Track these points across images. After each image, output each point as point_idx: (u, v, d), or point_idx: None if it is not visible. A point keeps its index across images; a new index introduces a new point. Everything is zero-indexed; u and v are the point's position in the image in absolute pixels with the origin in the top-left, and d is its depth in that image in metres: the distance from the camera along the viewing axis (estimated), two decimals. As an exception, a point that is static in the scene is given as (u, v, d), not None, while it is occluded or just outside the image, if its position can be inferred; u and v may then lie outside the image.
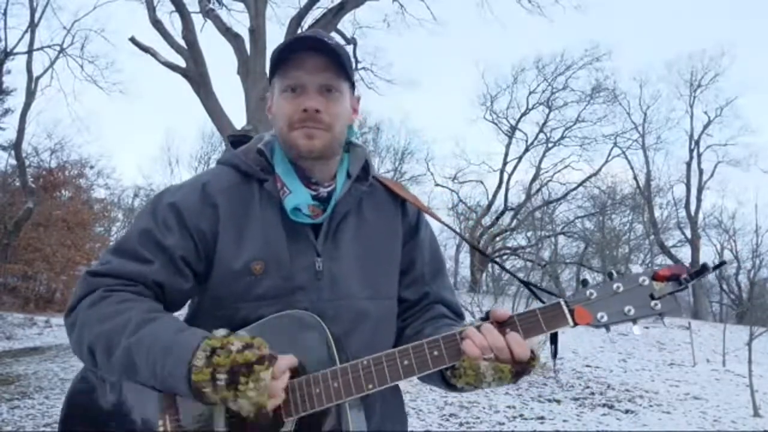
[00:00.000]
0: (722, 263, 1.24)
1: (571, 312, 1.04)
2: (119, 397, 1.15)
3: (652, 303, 1.03)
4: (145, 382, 1.05)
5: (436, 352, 1.06)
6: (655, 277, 1.04)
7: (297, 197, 1.18)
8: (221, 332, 1.02)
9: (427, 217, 1.39)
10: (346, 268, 1.20)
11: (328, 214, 1.20)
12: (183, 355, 0.98)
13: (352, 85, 1.24)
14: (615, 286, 1.05)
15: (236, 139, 1.30)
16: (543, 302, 1.08)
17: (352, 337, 1.14)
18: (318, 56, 1.15)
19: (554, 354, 1.21)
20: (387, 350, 1.08)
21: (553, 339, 1.16)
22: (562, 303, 1.05)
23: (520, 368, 1.06)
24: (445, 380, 1.14)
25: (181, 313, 1.29)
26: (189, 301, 1.26)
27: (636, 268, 1.06)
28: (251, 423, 1.03)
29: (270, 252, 1.15)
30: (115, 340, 1.04)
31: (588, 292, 1.05)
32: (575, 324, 1.04)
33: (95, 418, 1.16)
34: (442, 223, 1.45)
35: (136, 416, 1.13)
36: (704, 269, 1.02)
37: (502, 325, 1.07)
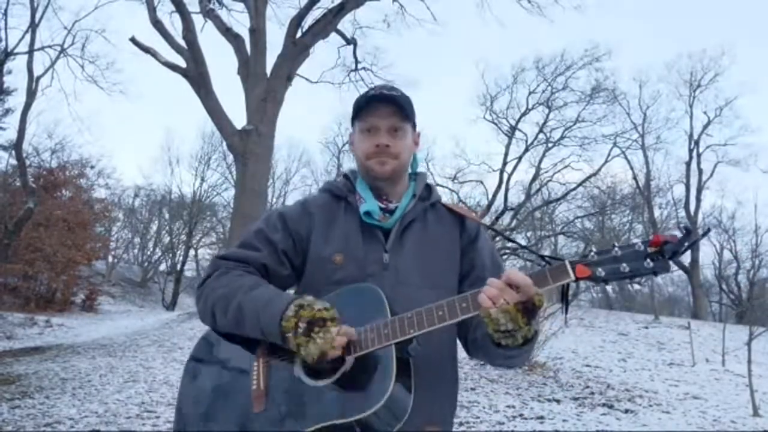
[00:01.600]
0: (708, 231, 1.44)
1: (573, 267, 1.22)
2: (228, 349, 1.46)
3: (645, 262, 1.18)
4: (249, 331, 1.38)
5: (464, 304, 1.28)
6: (650, 243, 1.19)
7: (369, 205, 1.53)
8: (309, 297, 1.35)
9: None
10: (408, 262, 1.50)
11: (396, 219, 1.53)
12: (278, 307, 1.33)
13: (414, 125, 1.60)
14: (614, 250, 1.21)
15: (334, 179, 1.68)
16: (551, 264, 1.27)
17: None
18: (387, 105, 1.52)
19: (565, 310, 1.43)
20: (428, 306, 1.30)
21: (564, 297, 1.35)
22: (566, 262, 1.24)
23: (525, 305, 1.23)
24: (494, 342, 1.32)
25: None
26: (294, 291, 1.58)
27: (635, 239, 1.23)
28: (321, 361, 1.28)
29: (348, 247, 1.50)
30: (231, 299, 1.41)
31: (590, 255, 1.23)
32: (576, 279, 1.21)
33: (211, 367, 1.47)
34: (493, 230, 1.61)
35: (239, 362, 1.43)
36: (689, 233, 1.16)
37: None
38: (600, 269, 1.21)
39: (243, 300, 1.39)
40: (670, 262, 1.18)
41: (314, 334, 1.26)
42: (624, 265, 1.19)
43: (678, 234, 1.18)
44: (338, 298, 1.39)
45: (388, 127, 1.52)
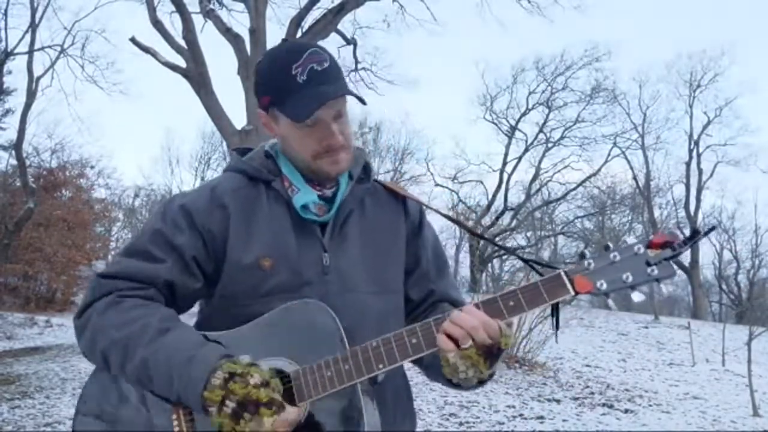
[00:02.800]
0: (712, 228, 1.28)
1: (571, 281, 1.06)
2: (133, 396, 1.17)
3: (649, 269, 1.05)
4: (158, 393, 1.08)
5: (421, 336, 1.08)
6: (649, 245, 1.06)
7: (305, 196, 1.22)
8: (246, 359, 1.04)
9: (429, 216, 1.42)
10: (352, 263, 1.24)
11: (334, 212, 1.24)
12: (202, 371, 1.01)
13: None
14: (612, 255, 1.06)
15: (242, 151, 1.35)
16: (542, 275, 1.09)
17: (359, 329, 1.15)
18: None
19: (556, 326, 1.24)
20: (395, 332, 1.09)
21: (554, 311, 1.19)
22: (563, 273, 1.06)
23: (489, 348, 1.05)
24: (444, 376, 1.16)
25: (192, 312, 1.31)
26: (199, 304, 1.28)
27: (630, 239, 1.08)
28: None
29: (278, 248, 1.19)
30: (131, 349, 1.07)
31: (586, 263, 1.07)
32: (576, 293, 1.06)
33: (110, 416, 1.18)
34: (444, 216, 1.48)
35: (151, 414, 1.14)
36: (695, 233, 1.05)
37: (491, 303, 1.07)
38: (601, 281, 1.05)
39: (149, 354, 1.05)
40: (674, 265, 1.06)
41: (243, 422, 0.98)
42: (627, 274, 1.05)
43: (677, 234, 1.07)
44: (272, 325, 1.12)
45: (333, 116, 1.19)
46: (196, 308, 1.31)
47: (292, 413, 1.03)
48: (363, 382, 1.08)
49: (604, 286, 1.06)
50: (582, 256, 1.09)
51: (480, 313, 1.05)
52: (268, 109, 1.24)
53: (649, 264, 1.05)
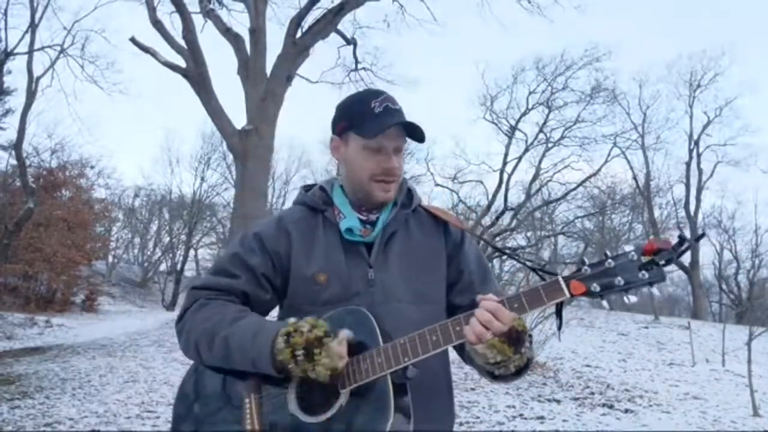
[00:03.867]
0: (702, 235, 1.40)
1: (568, 285, 1.18)
2: (216, 384, 1.41)
3: (640, 274, 1.15)
4: (239, 366, 1.32)
5: (458, 327, 1.23)
6: (643, 251, 1.15)
7: (349, 221, 1.46)
8: (292, 320, 1.28)
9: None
10: (394, 277, 1.44)
11: (378, 233, 1.47)
12: (266, 339, 1.26)
13: None
14: (607, 262, 1.18)
15: (306, 188, 1.61)
16: (545, 280, 1.23)
17: (398, 333, 1.29)
18: (398, 126, 1.42)
19: (559, 326, 1.36)
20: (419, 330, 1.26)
21: (558, 313, 1.29)
22: (560, 278, 1.19)
23: (507, 334, 1.21)
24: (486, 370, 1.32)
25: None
26: (278, 312, 1.53)
27: (627, 246, 1.18)
28: (317, 393, 1.27)
29: (331, 265, 1.43)
30: (215, 334, 1.33)
31: (583, 269, 1.19)
32: (572, 295, 1.18)
33: (198, 401, 1.42)
34: (475, 235, 1.57)
35: (229, 396, 1.38)
36: (682, 241, 1.13)
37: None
38: (595, 284, 1.17)
39: (228, 334, 1.32)
40: (665, 270, 1.15)
41: (316, 357, 1.22)
42: (619, 278, 1.15)
43: (674, 237, 1.16)
44: (331, 322, 1.33)
45: (394, 148, 1.43)
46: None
47: (343, 332, 1.26)
48: (397, 375, 1.25)
49: (598, 288, 1.17)
50: (581, 263, 1.20)
51: (492, 305, 1.20)
52: (342, 135, 1.48)
53: (641, 269, 1.15)
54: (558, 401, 6.84)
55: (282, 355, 1.23)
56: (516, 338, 1.22)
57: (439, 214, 1.55)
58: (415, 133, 1.43)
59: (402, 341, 1.25)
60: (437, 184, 26.24)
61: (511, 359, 1.25)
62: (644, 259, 1.15)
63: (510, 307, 1.20)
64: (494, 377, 1.32)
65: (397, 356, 1.24)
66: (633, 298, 1.16)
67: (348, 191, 1.51)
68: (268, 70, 13.15)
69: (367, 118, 1.41)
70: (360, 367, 1.26)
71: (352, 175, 1.48)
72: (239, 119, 12.67)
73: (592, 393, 7.43)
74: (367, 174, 1.44)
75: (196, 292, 1.45)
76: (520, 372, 1.30)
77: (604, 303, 1.19)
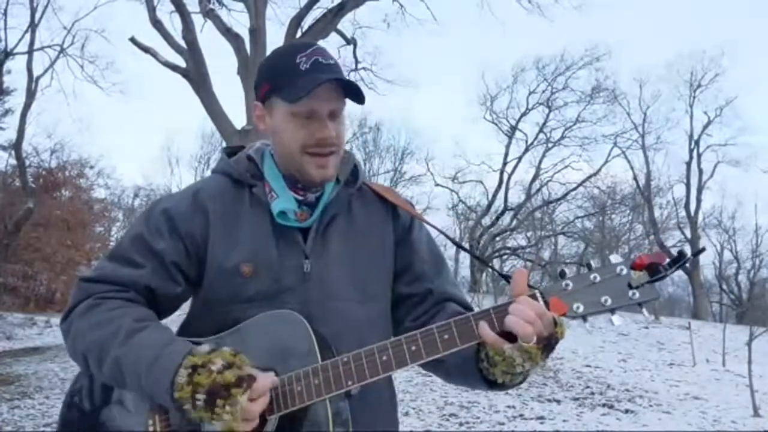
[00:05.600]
0: (701, 250, 1.25)
1: (546, 303, 1.03)
2: (114, 398, 1.19)
3: (630, 292, 1.01)
4: (134, 392, 1.10)
5: (413, 347, 1.04)
6: (633, 266, 1.02)
7: (283, 202, 1.20)
8: (204, 348, 1.03)
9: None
10: (334, 270, 1.21)
11: (316, 218, 1.23)
12: (167, 371, 1.01)
13: None
14: (592, 276, 1.03)
15: (231, 151, 1.33)
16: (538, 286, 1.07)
17: (341, 339, 1.13)
18: (331, 84, 1.15)
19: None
20: (367, 347, 1.07)
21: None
22: (538, 294, 1.04)
23: (548, 339, 1.02)
24: (485, 378, 1.13)
25: (180, 314, 1.31)
26: (190, 303, 1.28)
27: (615, 258, 1.04)
28: None
29: (259, 254, 1.18)
30: (105, 349, 1.08)
31: (564, 283, 1.04)
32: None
33: (91, 416, 1.20)
34: (434, 227, 1.43)
35: (129, 416, 1.16)
36: (681, 256, 0.99)
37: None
38: (578, 303, 1.02)
39: (120, 355, 1.06)
40: (658, 287, 1.02)
41: (218, 409, 0.96)
42: (605, 297, 1.01)
43: (663, 255, 1.02)
44: (248, 335, 1.11)
45: (329, 112, 1.17)
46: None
47: (266, 379, 1.02)
48: (337, 396, 1.06)
49: (581, 308, 1.02)
50: (562, 275, 1.05)
51: (537, 304, 1.02)
52: (265, 101, 1.22)
53: (630, 287, 1.01)
54: (558, 401, 6.83)
55: (180, 392, 0.99)
56: (553, 346, 1.04)
57: (388, 195, 1.32)
58: (354, 93, 1.17)
59: (345, 360, 1.05)
60: (437, 184, 26.31)
61: (533, 367, 1.05)
62: (634, 274, 1.01)
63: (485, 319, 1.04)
64: (491, 384, 1.13)
65: (339, 379, 1.04)
66: (618, 321, 1.01)
67: (280, 166, 1.24)
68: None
69: (292, 78, 1.15)
70: (293, 389, 1.05)
71: (281, 150, 1.22)
72: (239, 119, 12.66)
73: (593, 393, 7.42)
74: (297, 146, 1.17)
75: (87, 285, 1.17)
76: (524, 379, 1.13)
77: (587, 325, 1.04)
